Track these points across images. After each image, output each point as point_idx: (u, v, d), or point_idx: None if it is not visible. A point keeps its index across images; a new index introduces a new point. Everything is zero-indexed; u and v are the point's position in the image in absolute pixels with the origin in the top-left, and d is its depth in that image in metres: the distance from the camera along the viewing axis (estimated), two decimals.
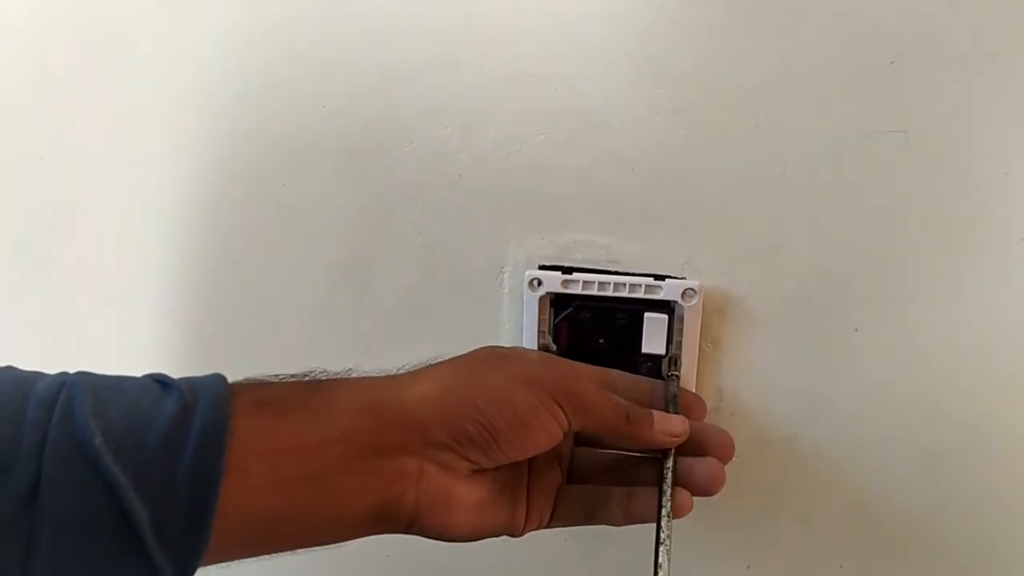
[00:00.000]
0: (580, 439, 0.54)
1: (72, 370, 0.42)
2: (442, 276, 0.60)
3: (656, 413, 0.51)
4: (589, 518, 0.52)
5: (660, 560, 0.47)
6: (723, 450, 0.53)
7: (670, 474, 0.50)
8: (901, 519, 0.57)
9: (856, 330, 0.55)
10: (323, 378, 0.49)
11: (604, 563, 0.63)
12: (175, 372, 0.64)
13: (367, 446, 0.45)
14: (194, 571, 0.40)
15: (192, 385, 0.42)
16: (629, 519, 0.51)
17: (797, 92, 0.53)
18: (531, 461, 0.51)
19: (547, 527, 0.52)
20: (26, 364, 0.42)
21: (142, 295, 0.66)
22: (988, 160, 0.51)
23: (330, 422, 0.45)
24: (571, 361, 0.53)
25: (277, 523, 0.43)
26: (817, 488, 0.58)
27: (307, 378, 0.48)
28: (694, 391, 0.57)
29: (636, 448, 0.53)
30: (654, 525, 0.49)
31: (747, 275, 0.56)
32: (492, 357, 0.51)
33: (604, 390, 0.51)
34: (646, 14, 0.53)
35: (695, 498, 0.51)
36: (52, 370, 0.42)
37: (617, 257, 0.57)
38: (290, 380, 0.48)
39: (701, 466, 0.51)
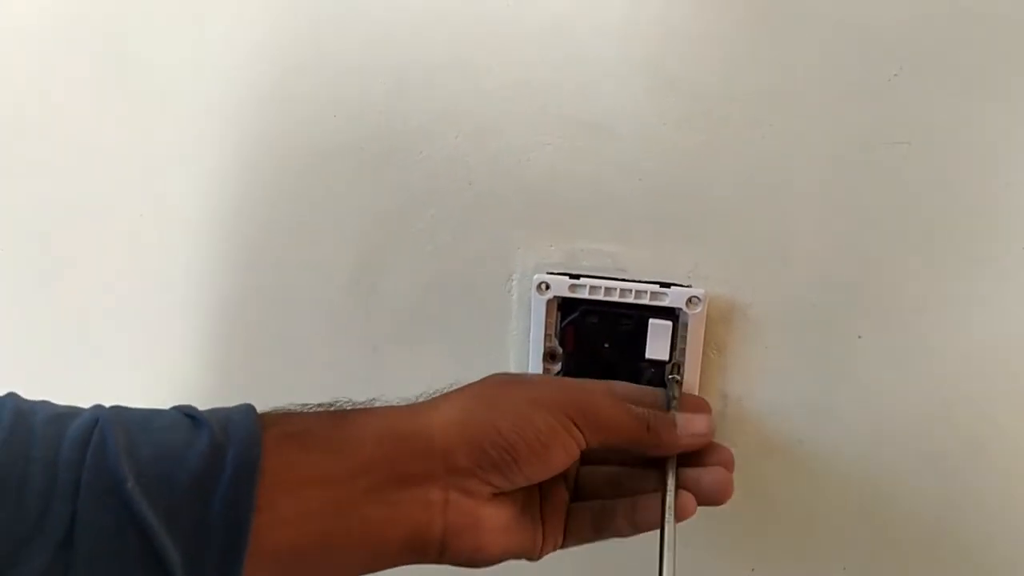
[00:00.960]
0: (591, 456, 0.54)
1: (89, 375, 0.43)
2: (451, 282, 0.61)
3: (678, 415, 0.52)
4: (598, 532, 0.53)
5: (665, 569, 0.47)
6: (725, 462, 0.53)
7: (672, 480, 0.51)
8: (905, 523, 0.57)
9: (860, 337, 0.56)
10: (348, 408, 0.50)
11: (609, 569, 0.63)
12: (188, 376, 0.65)
13: (393, 476, 0.46)
14: None
15: (222, 421, 0.43)
16: (636, 529, 0.52)
17: (802, 103, 0.53)
18: (541, 482, 0.52)
19: (561, 547, 0.53)
20: (41, 365, 0.43)
21: (156, 299, 0.67)
22: (990, 171, 0.52)
23: (356, 453, 0.46)
24: (580, 380, 0.54)
25: (307, 556, 0.43)
26: (821, 492, 0.59)
27: (332, 408, 0.49)
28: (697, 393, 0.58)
29: (658, 454, 0.53)
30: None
31: (752, 283, 0.57)
32: (507, 382, 0.52)
33: (619, 402, 0.51)
34: (655, 24, 0.54)
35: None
36: (69, 373, 0.42)
37: (624, 265, 0.58)
38: (316, 411, 0.49)
39: (709, 476, 0.52)
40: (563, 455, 0.49)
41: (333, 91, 0.60)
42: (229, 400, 0.47)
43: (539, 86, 0.57)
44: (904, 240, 0.54)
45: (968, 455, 0.56)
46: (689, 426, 0.52)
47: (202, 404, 0.46)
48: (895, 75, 0.52)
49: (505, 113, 0.57)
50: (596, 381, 0.53)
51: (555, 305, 0.58)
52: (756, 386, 0.58)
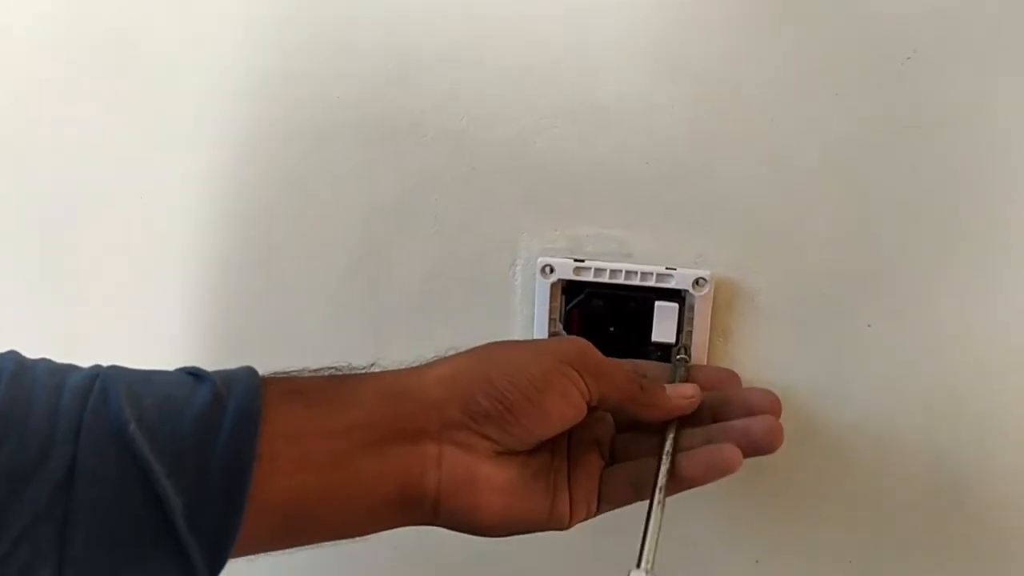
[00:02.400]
0: (624, 422, 0.53)
1: (90, 359, 0.43)
2: (455, 268, 0.61)
3: (667, 385, 0.51)
4: (638, 493, 0.50)
5: (649, 533, 0.46)
6: (772, 408, 0.52)
7: (670, 444, 0.50)
8: (912, 515, 0.57)
9: (869, 326, 0.55)
10: (347, 372, 0.49)
11: (614, 559, 0.62)
12: (192, 361, 0.65)
13: (389, 431, 0.45)
14: (225, 558, 0.40)
15: (224, 377, 0.43)
16: (679, 484, 0.50)
17: (813, 87, 0.53)
18: (571, 449, 0.51)
19: (596, 514, 0.51)
20: (45, 351, 0.43)
21: (160, 284, 0.66)
22: (1004, 156, 0.51)
23: (355, 409, 0.45)
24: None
25: (305, 509, 0.43)
26: (828, 483, 0.58)
27: (332, 372, 0.49)
28: None
29: (651, 418, 0.51)
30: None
31: (760, 270, 0.56)
32: (506, 341, 0.51)
33: (616, 361, 0.50)
34: (663, 7, 0.53)
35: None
36: (71, 358, 0.42)
37: (630, 250, 0.57)
38: (316, 374, 0.48)
39: (758, 424, 0.50)
40: (563, 403, 0.47)
41: (336, 74, 0.60)
42: None
43: (544, 70, 0.56)
44: (916, 227, 0.53)
45: (978, 446, 0.55)
46: (679, 390, 0.51)
47: None
48: (908, 58, 0.51)
49: (510, 97, 0.57)
50: None
51: (559, 288, 0.57)
52: (763, 374, 0.57)
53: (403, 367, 0.49)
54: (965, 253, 0.53)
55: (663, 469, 0.48)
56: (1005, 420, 0.55)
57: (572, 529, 0.51)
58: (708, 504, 0.59)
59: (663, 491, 0.48)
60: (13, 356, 0.41)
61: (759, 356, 0.57)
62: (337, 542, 0.46)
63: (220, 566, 0.40)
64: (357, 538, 0.46)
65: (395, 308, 0.63)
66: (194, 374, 0.43)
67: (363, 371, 0.50)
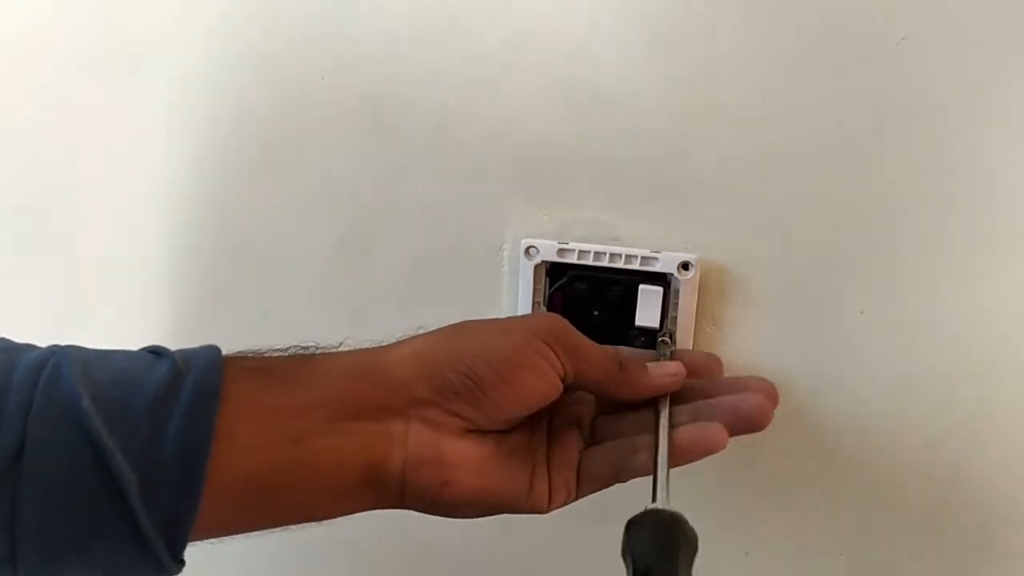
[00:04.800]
0: (606, 404, 0.52)
1: (67, 339, 0.42)
2: (442, 251, 0.60)
3: (649, 363, 0.50)
4: (619, 474, 0.49)
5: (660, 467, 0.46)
6: (767, 393, 0.51)
7: (664, 419, 0.49)
8: (904, 505, 0.56)
9: (862, 312, 0.54)
10: (315, 351, 0.48)
11: (596, 548, 0.62)
12: (174, 342, 0.65)
13: (351, 408, 0.44)
14: (184, 539, 0.40)
15: (185, 354, 0.42)
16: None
17: (805, 68, 0.52)
18: (551, 430, 0.50)
19: (578, 497, 0.50)
20: (23, 335, 0.43)
21: (142, 265, 0.66)
22: (998, 141, 0.51)
23: (316, 387, 0.44)
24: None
25: (266, 488, 0.42)
26: (818, 473, 0.57)
27: (299, 351, 0.48)
28: None
29: (632, 397, 0.50)
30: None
31: (750, 255, 0.55)
32: (479, 320, 0.50)
33: (593, 341, 0.49)
34: None
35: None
36: (50, 342, 0.42)
37: (618, 235, 0.56)
38: (282, 353, 0.47)
39: (747, 400, 0.49)
40: (535, 379, 0.46)
41: (321, 54, 0.59)
42: None
43: (533, 49, 0.55)
44: (909, 212, 0.53)
45: (971, 433, 0.54)
46: (662, 368, 0.50)
47: None
48: (903, 39, 0.51)
49: (498, 78, 0.57)
50: None
51: (543, 270, 0.56)
52: (754, 362, 0.57)
53: (373, 345, 0.48)
54: (958, 238, 0.52)
55: (665, 405, 0.49)
56: (999, 407, 0.54)
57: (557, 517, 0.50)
58: (696, 495, 0.58)
59: (666, 427, 0.48)
60: None
61: (749, 342, 0.56)
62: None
63: (180, 546, 0.39)
64: (325, 521, 0.45)
65: (382, 293, 0.62)
66: (155, 352, 0.42)
67: (331, 350, 0.48)
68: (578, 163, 0.56)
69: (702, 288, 0.55)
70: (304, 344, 0.49)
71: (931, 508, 0.55)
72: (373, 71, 0.58)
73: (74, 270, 0.67)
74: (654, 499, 0.45)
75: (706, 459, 0.57)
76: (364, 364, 0.46)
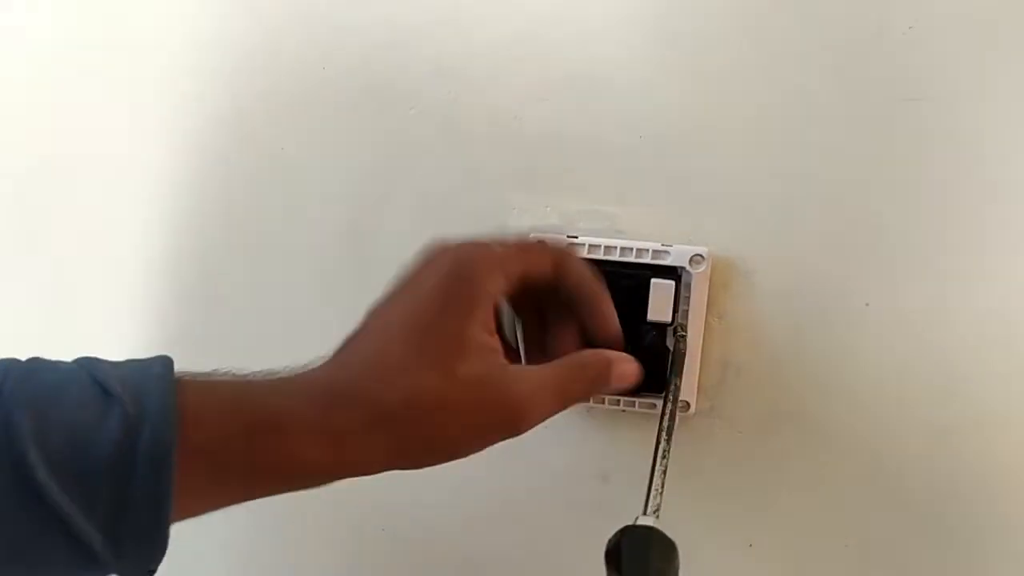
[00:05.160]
0: None
1: (70, 339, 0.41)
2: None
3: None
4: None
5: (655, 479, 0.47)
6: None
7: (673, 392, 0.50)
8: (910, 498, 0.56)
9: (867, 305, 0.54)
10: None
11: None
12: (173, 339, 0.64)
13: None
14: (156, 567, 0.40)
15: (134, 394, 0.39)
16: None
17: (812, 57, 0.52)
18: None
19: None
20: (17, 322, 0.42)
21: (136, 259, 0.65)
22: (1007, 130, 0.50)
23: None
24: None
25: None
26: (823, 465, 0.57)
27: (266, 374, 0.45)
28: (698, 363, 0.56)
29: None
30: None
31: (756, 247, 0.55)
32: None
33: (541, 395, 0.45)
34: None
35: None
36: (49, 328, 0.41)
37: (623, 227, 0.56)
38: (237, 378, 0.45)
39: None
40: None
41: (323, 44, 0.59)
42: (214, 362, 0.44)
43: (536, 39, 0.55)
44: (916, 204, 0.52)
45: (977, 428, 0.54)
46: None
47: (184, 365, 0.42)
48: (910, 28, 0.51)
49: (501, 67, 0.56)
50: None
51: None
52: (758, 354, 0.56)
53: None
54: (966, 230, 0.52)
55: (668, 415, 0.49)
56: (1006, 401, 0.54)
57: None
58: (700, 485, 0.58)
59: (668, 440, 0.48)
60: None
61: (755, 335, 0.56)
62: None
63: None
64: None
65: (380, 285, 0.61)
66: (102, 386, 0.39)
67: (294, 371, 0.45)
68: (582, 155, 0.56)
69: (708, 281, 0.55)
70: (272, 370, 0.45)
71: (938, 500, 0.55)
72: (375, 63, 0.58)
73: (74, 268, 0.66)
74: (645, 510, 0.45)
75: (711, 450, 0.57)
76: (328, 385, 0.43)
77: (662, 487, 0.46)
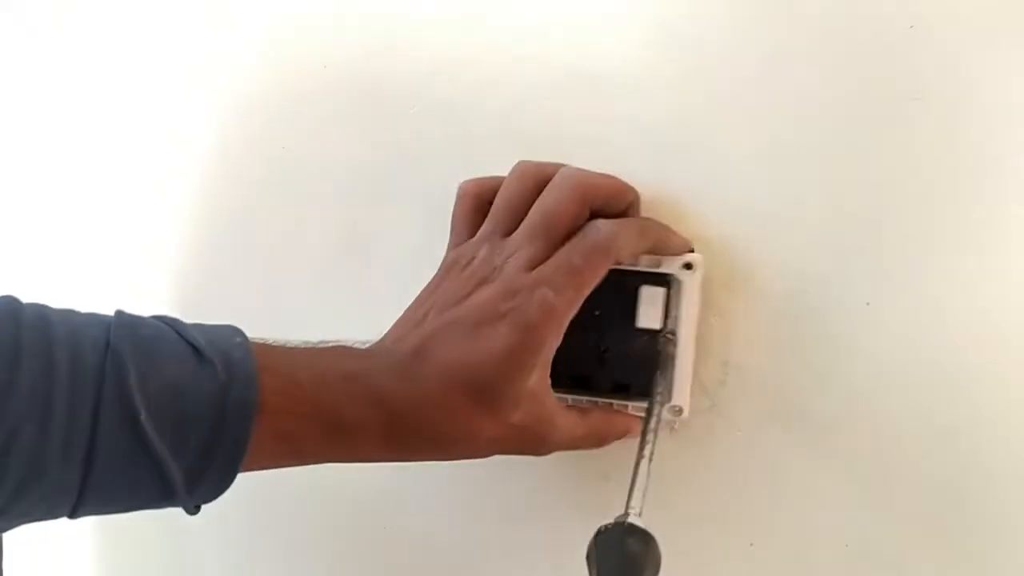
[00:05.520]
0: None
1: None
2: (443, 244, 0.59)
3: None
4: None
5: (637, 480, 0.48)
6: None
7: (653, 426, 0.51)
8: (912, 499, 0.55)
9: (868, 304, 0.54)
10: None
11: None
12: None
13: None
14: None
15: (223, 357, 0.46)
16: None
17: (813, 56, 0.51)
18: None
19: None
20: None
21: (136, 257, 0.66)
22: (1008, 128, 0.50)
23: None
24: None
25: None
26: (824, 465, 0.56)
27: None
28: (692, 367, 0.56)
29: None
30: None
31: (757, 245, 0.55)
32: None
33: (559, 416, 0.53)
34: None
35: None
36: None
37: None
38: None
39: None
40: None
41: (323, 43, 0.59)
42: None
43: (537, 38, 0.55)
44: (916, 202, 0.52)
45: (977, 428, 0.53)
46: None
47: None
48: (911, 27, 0.50)
49: (501, 66, 0.56)
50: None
51: None
52: (758, 353, 0.56)
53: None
54: (967, 229, 0.51)
55: (653, 414, 0.50)
56: (1007, 402, 0.53)
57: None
58: (701, 484, 0.58)
59: (653, 442, 0.49)
60: (15, 304, 0.44)
61: (756, 334, 0.56)
62: None
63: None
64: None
65: (382, 285, 0.62)
66: (196, 349, 0.45)
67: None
68: (580, 154, 0.56)
69: (707, 280, 0.55)
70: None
71: (940, 501, 0.55)
72: (376, 62, 0.58)
73: (74, 268, 0.67)
74: (628, 508, 0.46)
75: (712, 449, 0.58)
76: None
77: (644, 488, 0.47)
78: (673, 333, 0.54)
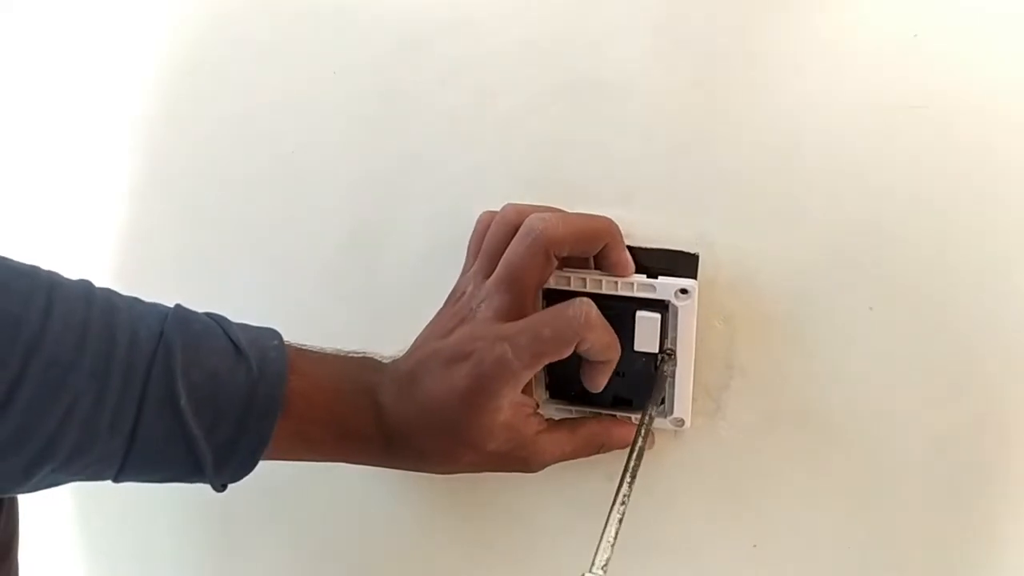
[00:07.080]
0: None
1: None
2: (450, 248, 0.60)
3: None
4: None
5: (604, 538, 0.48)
6: None
7: (633, 460, 0.52)
8: (914, 501, 0.56)
9: (871, 309, 0.54)
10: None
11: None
12: None
13: None
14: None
15: (259, 356, 0.52)
16: None
17: (818, 64, 0.51)
18: None
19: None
20: None
21: (141, 260, 0.68)
22: (1010, 137, 0.49)
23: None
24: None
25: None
26: (827, 467, 0.57)
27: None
28: (691, 381, 0.56)
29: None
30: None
31: (761, 250, 0.54)
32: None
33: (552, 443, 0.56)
34: None
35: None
36: None
37: (630, 231, 0.55)
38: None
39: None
40: None
41: (331, 48, 0.59)
42: None
43: (544, 45, 0.55)
44: (919, 208, 0.51)
45: (980, 433, 0.54)
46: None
47: None
48: (915, 35, 0.49)
49: (508, 73, 0.56)
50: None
51: (540, 296, 0.56)
52: (762, 357, 0.56)
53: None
54: (969, 234, 0.51)
55: (627, 476, 0.51)
56: (1007, 407, 0.53)
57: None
58: (705, 486, 0.59)
59: (625, 503, 0.50)
60: (103, 297, 0.49)
61: (759, 337, 0.56)
62: None
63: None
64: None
65: (388, 288, 0.63)
66: (234, 343, 0.51)
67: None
68: (589, 159, 0.56)
69: (711, 284, 0.55)
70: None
71: (942, 504, 0.55)
72: (383, 67, 0.58)
73: (73, 267, 0.68)
74: (592, 565, 0.47)
75: (714, 450, 0.58)
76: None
77: (614, 539, 0.48)
78: (671, 352, 0.54)
